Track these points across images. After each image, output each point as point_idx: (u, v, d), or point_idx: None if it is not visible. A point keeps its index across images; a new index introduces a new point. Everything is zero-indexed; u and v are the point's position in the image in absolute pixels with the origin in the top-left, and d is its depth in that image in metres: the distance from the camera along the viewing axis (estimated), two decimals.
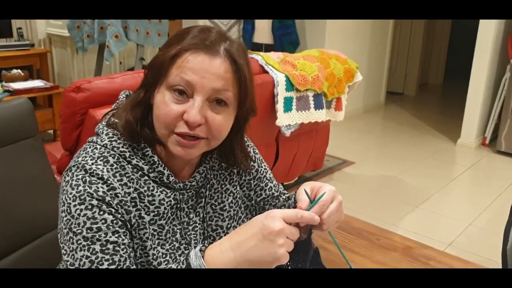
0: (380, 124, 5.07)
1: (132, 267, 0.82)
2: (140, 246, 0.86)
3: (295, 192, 0.97)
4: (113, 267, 0.79)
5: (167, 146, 0.87)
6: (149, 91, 0.88)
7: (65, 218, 0.82)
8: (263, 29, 4.25)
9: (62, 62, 4.77)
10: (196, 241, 0.94)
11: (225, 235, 0.97)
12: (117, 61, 4.78)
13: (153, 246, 0.87)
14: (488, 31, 3.97)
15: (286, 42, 4.25)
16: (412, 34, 6.03)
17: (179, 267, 0.80)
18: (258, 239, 0.75)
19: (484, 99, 4.18)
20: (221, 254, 0.77)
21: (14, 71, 3.92)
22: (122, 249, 0.81)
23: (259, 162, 1.10)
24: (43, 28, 4.68)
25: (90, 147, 0.88)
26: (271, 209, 1.06)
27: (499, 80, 4.21)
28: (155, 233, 0.88)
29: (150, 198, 0.88)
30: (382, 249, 1.21)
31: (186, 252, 0.92)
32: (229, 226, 1.00)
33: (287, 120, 2.82)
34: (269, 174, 1.12)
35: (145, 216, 0.87)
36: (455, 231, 2.85)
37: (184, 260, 0.79)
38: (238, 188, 1.04)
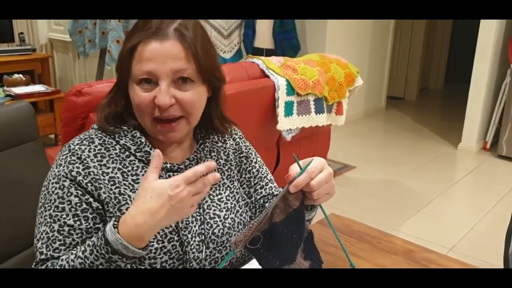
0: (381, 129, 5.07)
1: (80, 251, 0.85)
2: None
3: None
4: (62, 248, 0.88)
5: (154, 135, 0.95)
6: (122, 86, 0.96)
7: (43, 193, 0.93)
8: (263, 34, 4.26)
9: (63, 67, 4.78)
10: (187, 221, 0.98)
11: (222, 224, 1.01)
12: None
13: None
14: (488, 35, 3.97)
15: (286, 46, 4.26)
16: (412, 38, 6.04)
17: (98, 243, 0.82)
18: (168, 208, 0.79)
19: (485, 103, 4.18)
20: (136, 228, 0.80)
21: (16, 75, 3.93)
22: (77, 233, 0.89)
23: (260, 164, 1.14)
24: (45, 33, 4.70)
25: (85, 132, 0.98)
26: None
27: (499, 85, 4.21)
28: None
29: (134, 177, 0.95)
30: (383, 252, 1.20)
31: (177, 229, 0.96)
32: (226, 216, 1.03)
33: (288, 124, 2.82)
34: (270, 176, 1.15)
35: (130, 193, 0.93)
36: (457, 235, 2.84)
37: (102, 236, 0.81)
38: (235, 184, 1.08)
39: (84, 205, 0.90)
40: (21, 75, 3.94)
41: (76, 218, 0.90)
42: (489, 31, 3.97)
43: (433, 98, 6.48)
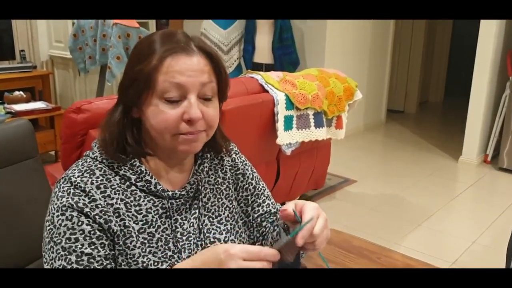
0: (381, 142, 5.07)
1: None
2: (125, 254, 0.88)
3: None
4: None
5: (175, 148, 0.91)
6: (131, 108, 0.92)
7: (48, 228, 0.87)
8: (263, 49, 4.29)
9: (64, 83, 4.81)
10: (190, 250, 0.96)
11: None
12: (119, 82, 4.81)
13: (142, 254, 0.90)
14: (487, 48, 3.99)
15: (286, 62, 4.28)
16: (411, 52, 6.08)
17: None
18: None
19: (485, 116, 4.19)
20: None
21: (16, 93, 3.94)
22: (97, 261, 0.85)
23: (256, 180, 1.12)
24: (46, 50, 4.74)
25: (81, 161, 0.94)
26: (268, 225, 1.08)
27: (499, 97, 4.22)
28: (145, 241, 0.91)
29: (137, 208, 0.91)
30: (383, 267, 1.19)
31: (180, 261, 0.93)
32: (226, 239, 1.01)
33: (288, 138, 2.83)
34: (267, 192, 1.13)
35: (133, 225, 0.90)
36: (459, 249, 2.82)
37: None
38: (234, 203, 1.07)
39: (98, 232, 0.86)
40: (21, 92, 3.96)
41: (93, 246, 0.85)
42: (487, 44, 3.99)
43: (433, 111, 6.49)
